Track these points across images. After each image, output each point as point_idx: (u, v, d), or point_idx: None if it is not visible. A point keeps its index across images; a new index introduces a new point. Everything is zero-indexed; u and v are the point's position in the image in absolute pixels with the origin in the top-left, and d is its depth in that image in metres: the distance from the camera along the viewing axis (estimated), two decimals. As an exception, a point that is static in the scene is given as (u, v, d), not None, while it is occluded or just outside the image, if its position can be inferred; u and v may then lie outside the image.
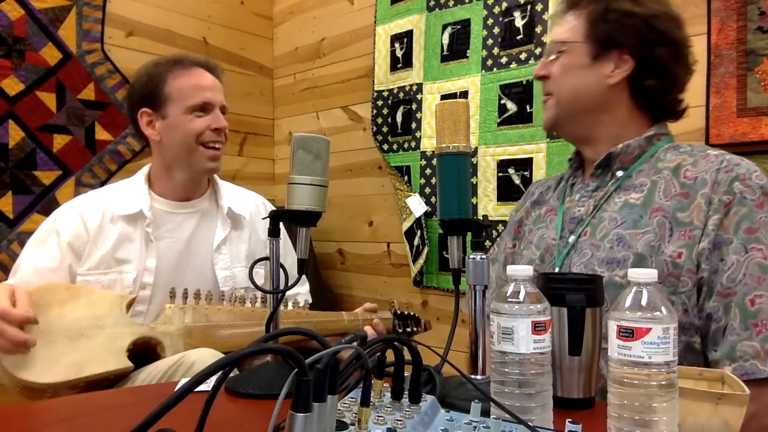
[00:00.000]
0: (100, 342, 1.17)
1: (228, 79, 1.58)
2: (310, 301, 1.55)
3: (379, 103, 2.37)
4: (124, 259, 1.36)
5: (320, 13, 2.67)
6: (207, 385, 0.53)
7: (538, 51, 1.89)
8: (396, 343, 0.66)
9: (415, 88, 2.24)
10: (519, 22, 1.94)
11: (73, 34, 2.17)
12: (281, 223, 0.95)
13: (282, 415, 0.46)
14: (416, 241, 2.21)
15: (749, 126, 1.47)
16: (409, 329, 1.43)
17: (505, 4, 1.97)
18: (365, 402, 0.56)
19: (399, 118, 2.30)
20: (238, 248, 1.50)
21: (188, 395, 0.42)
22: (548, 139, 1.84)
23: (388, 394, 0.67)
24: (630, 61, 1.07)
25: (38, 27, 2.08)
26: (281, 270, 0.94)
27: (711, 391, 0.66)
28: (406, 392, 0.67)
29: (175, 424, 0.48)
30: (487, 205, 2.00)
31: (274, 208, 0.96)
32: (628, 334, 0.61)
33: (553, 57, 1.13)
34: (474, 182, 2.02)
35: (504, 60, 1.97)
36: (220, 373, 0.49)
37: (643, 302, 0.62)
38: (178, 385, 0.51)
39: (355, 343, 0.61)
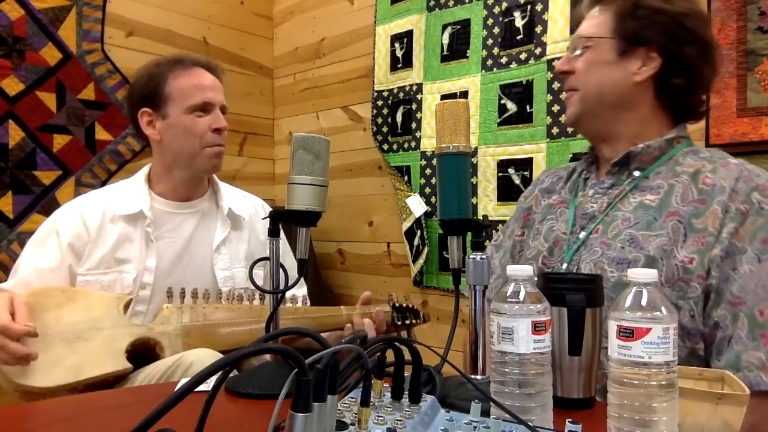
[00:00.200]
0: (98, 344, 1.17)
1: (228, 79, 1.58)
2: (309, 304, 1.54)
3: (379, 103, 2.37)
4: (124, 259, 1.36)
5: (320, 13, 2.67)
6: (207, 385, 0.53)
7: (538, 51, 1.88)
8: (396, 343, 0.66)
9: (415, 88, 2.24)
10: (519, 22, 1.93)
11: (73, 34, 2.17)
12: (280, 226, 0.95)
13: (282, 415, 0.46)
14: (416, 241, 2.21)
15: (749, 126, 1.47)
16: (408, 321, 1.42)
17: (505, 4, 1.97)
18: (365, 402, 0.56)
19: (399, 118, 2.30)
20: (237, 249, 1.50)
21: (188, 395, 0.42)
22: (548, 139, 1.85)
23: (388, 394, 0.67)
24: (657, 58, 1.06)
25: (38, 27, 2.08)
26: (281, 270, 0.94)
27: (711, 391, 0.66)
28: (406, 392, 0.67)
29: (175, 424, 0.48)
30: (487, 205, 2.00)
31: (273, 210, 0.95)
32: (628, 334, 0.61)
33: (578, 52, 1.11)
34: (474, 182, 2.02)
35: (504, 60, 1.97)
36: (220, 373, 0.49)
37: (643, 302, 0.62)
38: (178, 386, 0.51)
39: (355, 343, 0.61)
